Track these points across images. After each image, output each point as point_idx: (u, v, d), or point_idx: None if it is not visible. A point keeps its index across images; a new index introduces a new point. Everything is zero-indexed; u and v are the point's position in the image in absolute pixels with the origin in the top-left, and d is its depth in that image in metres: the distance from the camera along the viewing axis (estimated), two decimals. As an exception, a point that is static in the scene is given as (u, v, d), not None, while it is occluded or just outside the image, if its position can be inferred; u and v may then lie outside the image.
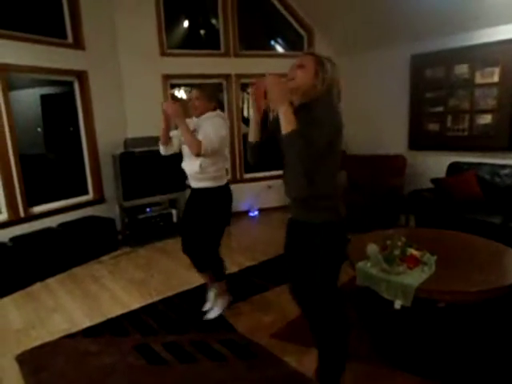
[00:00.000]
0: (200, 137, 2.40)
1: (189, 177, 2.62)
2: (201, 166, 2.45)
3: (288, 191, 1.79)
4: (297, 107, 1.64)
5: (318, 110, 1.57)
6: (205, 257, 2.65)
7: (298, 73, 1.64)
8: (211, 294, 2.83)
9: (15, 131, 3.68)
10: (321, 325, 1.79)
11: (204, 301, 2.86)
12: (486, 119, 4.20)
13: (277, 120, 1.61)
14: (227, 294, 2.81)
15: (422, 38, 4.58)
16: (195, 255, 2.66)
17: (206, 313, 2.75)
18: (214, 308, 2.75)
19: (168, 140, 2.61)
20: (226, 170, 2.69)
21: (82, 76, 4.24)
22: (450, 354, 2.16)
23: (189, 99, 2.59)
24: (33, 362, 2.32)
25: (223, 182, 2.59)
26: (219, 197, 2.57)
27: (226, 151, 2.65)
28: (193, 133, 2.43)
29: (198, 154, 2.37)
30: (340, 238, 1.73)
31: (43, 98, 6.29)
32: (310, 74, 1.63)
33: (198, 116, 2.55)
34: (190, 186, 2.67)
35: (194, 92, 2.53)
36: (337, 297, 1.79)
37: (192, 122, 2.57)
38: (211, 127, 2.43)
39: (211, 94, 2.56)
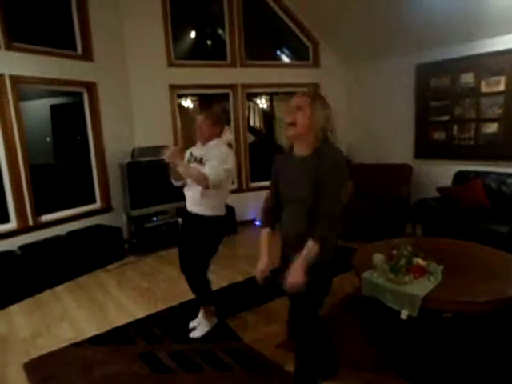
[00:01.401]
0: (207, 168, 2.37)
1: (187, 201, 2.58)
2: (202, 193, 2.43)
3: (284, 230, 1.83)
4: (306, 155, 1.70)
5: (328, 163, 1.62)
6: (195, 279, 2.63)
7: (298, 116, 1.66)
8: (202, 313, 2.77)
9: (25, 141, 3.75)
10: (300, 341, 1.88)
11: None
12: (493, 128, 4.19)
13: (279, 161, 1.83)
14: (214, 317, 2.75)
15: (427, 48, 4.60)
16: (189, 276, 2.65)
17: (191, 330, 2.71)
18: (198, 328, 2.69)
19: (179, 175, 2.54)
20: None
21: (91, 87, 4.32)
22: (457, 365, 2.13)
23: (195, 124, 2.56)
24: (40, 370, 2.34)
25: (221, 212, 2.55)
26: (214, 226, 2.54)
27: (230, 183, 2.62)
28: (200, 162, 2.44)
29: (207, 188, 2.37)
30: (327, 278, 1.81)
31: (53, 108, 6.39)
32: (307, 114, 1.65)
33: (203, 142, 2.53)
34: (185, 209, 2.62)
35: (200, 117, 2.53)
36: (316, 325, 1.88)
37: (197, 149, 2.57)
38: (218, 159, 2.39)
39: (217, 118, 2.55)
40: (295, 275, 1.62)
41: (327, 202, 1.62)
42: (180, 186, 2.65)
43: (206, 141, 2.52)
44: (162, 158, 2.44)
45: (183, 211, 2.65)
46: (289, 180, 1.76)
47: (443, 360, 2.17)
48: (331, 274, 1.85)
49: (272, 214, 1.91)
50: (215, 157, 2.40)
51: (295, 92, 1.77)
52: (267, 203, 1.96)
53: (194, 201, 2.50)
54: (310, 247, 1.62)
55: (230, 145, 2.59)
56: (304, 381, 1.89)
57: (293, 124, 1.67)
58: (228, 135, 2.65)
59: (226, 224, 2.66)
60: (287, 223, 1.81)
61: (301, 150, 1.73)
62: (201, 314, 2.76)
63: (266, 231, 1.92)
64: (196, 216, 2.51)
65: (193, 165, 2.47)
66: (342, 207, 1.71)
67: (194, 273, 2.60)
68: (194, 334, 2.65)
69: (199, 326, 2.70)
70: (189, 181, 2.52)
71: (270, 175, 1.89)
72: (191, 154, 2.59)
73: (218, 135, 2.53)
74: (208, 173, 2.34)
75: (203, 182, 2.34)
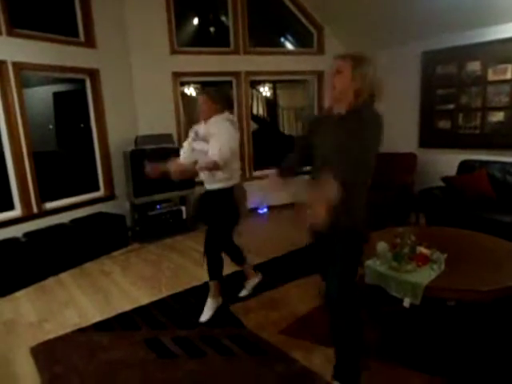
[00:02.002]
0: (211, 147, 2.45)
1: (204, 181, 2.70)
2: (211, 172, 2.55)
3: None
4: (344, 114, 1.70)
5: (366, 120, 1.63)
6: (208, 251, 2.69)
7: (337, 80, 1.67)
8: (249, 283, 3.06)
9: (29, 128, 3.75)
10: (340, 320, 1.79)
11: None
12: (499, 117, 4.15)
13: (314, 122, 1.78)
14: (219, 296, 2.81)
15: (433, 35, 4.53)
16: (227, 250, 2.86)
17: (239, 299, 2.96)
18: (204, 310, 2.74)
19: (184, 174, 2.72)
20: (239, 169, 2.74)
21: (93, 74, 4.29)
22: (459, 353, 2.15)
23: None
24: (47, 354, 2.38)
25: (235, 181, 2.64)
26: (230, 196, 2.62)
27: (236, 158, 2.67)
28: (204, 140, 2.53)
29: (219, 169, 2.47)
30: (360, 244, 1.80)
31: (55, 95, 6.37)
32: (347, 79, 1.65)
33: (205, 119, 2.59)
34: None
35: (200, 98, 2.59)
36: (354, 295, 1.82)
37: (201, 127, 2.62)
38: (222, 137, 2.45)
39: (217, 96, 2.58)
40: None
41: (354, 150, 1.57)
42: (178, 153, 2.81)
43: (207, 119, 2.58)
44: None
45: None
46: (324, 140, 1.74)
47: (446, 348, 2.19)
48: (362, 244, 1.82)
49: (289, 169, 1.93)
50: (216, 135, 2.46)
51: (337, 55, 1.73)
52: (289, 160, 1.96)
53: (207, 179, 2.63)
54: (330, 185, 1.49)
55: (231, 121, 2.59)
56: (347, 368, 1.83)
57: (333, 87, 1.68)
58: (229, 115, 2.66)
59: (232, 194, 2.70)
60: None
61: (340, 109, 1.72)
62: (249, 284, 3.05)
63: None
64: (208, 192, 2.67)
65: (199, 145, 2.55)
66: (370, 176, 1.72)
67: (209, 246, 2.69)
68: (202, 318, 2.69)
69: (205, 308, 2.74)
70: (198, 157, 2.60)
71: (301, 133, 1.87)
72: (196, 134, 2.64)
73: (219, 113, 2.57)
74: (213, 155, 2.41)
75: (215, 167, 2.44)
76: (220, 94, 2.64)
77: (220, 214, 2.65)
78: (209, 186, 2.66)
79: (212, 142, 2.45)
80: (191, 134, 2.69)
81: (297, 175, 1.94)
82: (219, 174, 2.54)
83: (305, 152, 1.90)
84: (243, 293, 3.02)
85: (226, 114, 2.61)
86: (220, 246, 2.73)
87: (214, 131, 2.49)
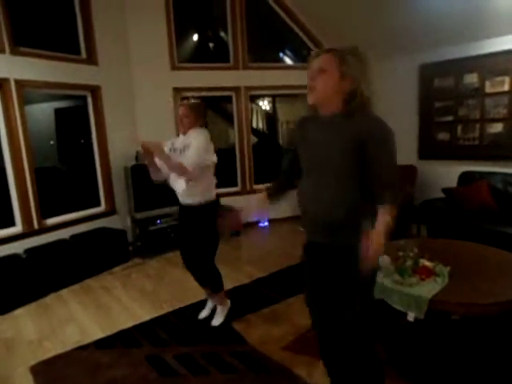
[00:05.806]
0: (189, 156, 2.40)
1: (178, 194, 2.62)
2: (188, 182, 2.47)
3: (312, 210, 1.50)
4: (340, 113, 1.41)
5: (373, 122, 1.42)
6: (203, 270, 2.69)
7: (319, 81, 1.38)
8: (209, 304, 2.94)
9: (30, 145, 3.76)
10: (350, 369, 1.54)
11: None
12: (497, 128, 4.18)
13: (298, 132, 1.56)
14: (227, 299, 2.87)
15: (430, 48, 4.59)
16: (195, 270, 2.74)
17: (204, 320, 2.84)
18: (216, 315, 2.79)
19: (158, 173, 2.60)
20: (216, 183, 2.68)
21: (95, 90, 4.33)
22: (465, 367, 2.12)
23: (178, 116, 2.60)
24: (47, 373, 2.34)
25: (212, 196, 2.60)
26: (210, 212, 2.57)
27: (212, 167, 2.60)
28: (181, 152, 2.47)
29: (189, 178, 2.42)
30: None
31: (57, 111, 6.42)
32: (333, 78, 1.37)
33: (184, 133, 2.57)
34: (179, 203, 2.67)
35: (182, 109, 2.53)
36: (368, 333, 1.54)
37: (178, 140, 2.61)
38: (201, 148, 2.43)
39: (199, 112, 2.56)
40: (378, 241, 1.30)
41: (388, 169, 1.37)
42: (161, 183, 2.71)
43: (186, 132, 2.54)
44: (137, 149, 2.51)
45: (179, 205, 2.70)
46: (314, 140, 1.46)
47: (451, 362, 2.16)
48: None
49: (278, 185, 1.76)
50: (194, 146, 2.41)
51: (318, 52, 1.45)
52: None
53: (183, 192, 2.54)
54: (388, 210, 1.33)
55: (208, 135, 2.56)
56: None
57: (312, 89, 1.40)
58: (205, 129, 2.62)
59: (218, 208, 2.69)
60: (310, 195, 1.48)
61: (329, 110, 1.43)
62: (210, 303, 2.92)
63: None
64: (190, 207, 2.57)
65: (173, 157, 2.45)
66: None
67: (203, 264, 2.66)
68: (214, 322, 2.74)
69: (216, 314, 2.79)
70: (171, 174, 2.54)
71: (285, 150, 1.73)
72: (172, 145, 2.60)
73: (199, 127, 2.54)
74: (187, 164, 2.36)
75: (186, 174, 2.39)
76: (202, 107, 2.61)
77: (203, 230, 2.58)
78: (185, 201, 2.59)
79: (191, 151, 2.40)
80: (168, 145, 2.62)
81: (288, 190, 1.79)
82: (197, 187, 2.49)
83: (294, 167, 1.66)
84: (218, 321, 2.79)
85: (204, 128, 2.58)
86: (212, 259, 2.68)
87: (193, 142, 2.45)
